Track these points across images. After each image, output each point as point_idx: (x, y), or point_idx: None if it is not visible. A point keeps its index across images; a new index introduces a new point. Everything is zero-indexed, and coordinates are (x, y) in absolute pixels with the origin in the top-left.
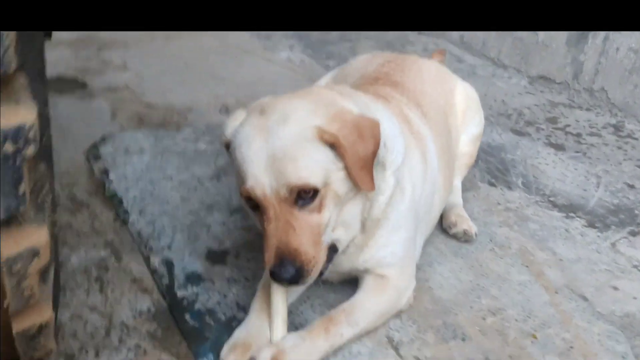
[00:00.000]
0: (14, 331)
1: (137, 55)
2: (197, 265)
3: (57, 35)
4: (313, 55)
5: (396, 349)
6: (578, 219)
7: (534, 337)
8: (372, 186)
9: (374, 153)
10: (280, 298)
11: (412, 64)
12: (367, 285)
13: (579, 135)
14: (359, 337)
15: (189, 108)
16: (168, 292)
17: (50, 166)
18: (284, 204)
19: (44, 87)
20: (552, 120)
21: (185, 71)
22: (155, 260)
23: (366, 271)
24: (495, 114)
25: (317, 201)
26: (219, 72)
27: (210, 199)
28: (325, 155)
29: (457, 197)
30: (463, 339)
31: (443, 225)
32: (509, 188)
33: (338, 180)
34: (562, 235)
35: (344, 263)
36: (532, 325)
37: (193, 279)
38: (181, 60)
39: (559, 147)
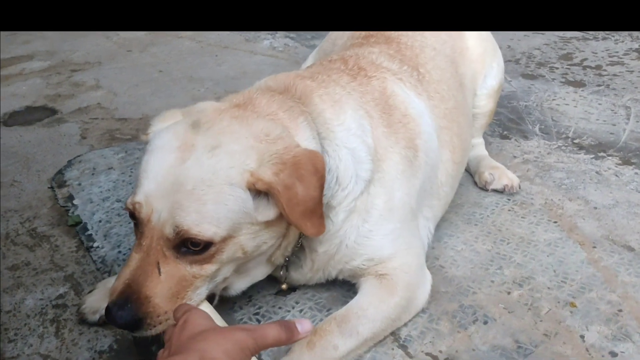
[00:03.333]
0: None
1: (110, 73)
2: None
3: (27, 65)
4: (296, 38)
5: (404, 347)
6: (610, 158)
7: (573, 305)
8: (318, 230)
9: (320, 191)
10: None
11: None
12: (366, 287)
13: (598, 67)
14: (362, 352)
15: None
16: None
17: None
18: (162, 241)
19: None
20: (567, 57)
21: (161, 78)
22: None
23: (358, 273)
24: (503, 61)
25: (205, 254)
26: (197, 73)
27: None
28: (242, 206)
29: (481, 151)
30: (485, 322)
31: (478, 185)
32: (525, 138)
33: (248, 234)
34: (593, 179)
35: (309, 279)
36: (568, 291)
37: None
38: (155, 68)
39: (578, 84)
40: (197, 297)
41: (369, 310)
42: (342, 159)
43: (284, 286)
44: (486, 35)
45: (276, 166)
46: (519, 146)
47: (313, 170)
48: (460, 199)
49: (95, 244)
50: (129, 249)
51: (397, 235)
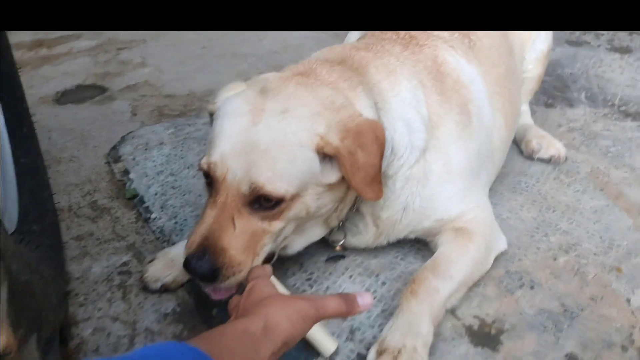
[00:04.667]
0: None
1: (155, 50)
2: None
3: (75, 44)
4: None
5: (451, 311)
6: None
7: (619, 270)
8: (376, 195)
9: (379, 158)
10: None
11: None
12: (446, 240)
13: None
14: (462, 295)
15: (209, 91)
16: (193, 287)
17: None
18: (238, 198)
19: None
20: None
21: (205, 55)
22: None
23: (433, 232)
24: None
25: (275, 210)
26: (240, 49)
27: None
28: (310, 166)
29: (527, 119)
30: (532, 287)
31: (524, 153)
32: (571, 106)
33: (313, 194)
34: (639, 147)
35: (372, 243)
36: (615, 257)
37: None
38: (199, 45)
39: (625, 50)
40: (263, 253)
41: (452, 255)
42: (397, 130)
43: (338, 247)
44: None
45: (341, 133)
46: (564, 114)
47: (374, 138)
48: (505, 168)
49: (152, 215)
50: (185, 219)
51: (462, 195)
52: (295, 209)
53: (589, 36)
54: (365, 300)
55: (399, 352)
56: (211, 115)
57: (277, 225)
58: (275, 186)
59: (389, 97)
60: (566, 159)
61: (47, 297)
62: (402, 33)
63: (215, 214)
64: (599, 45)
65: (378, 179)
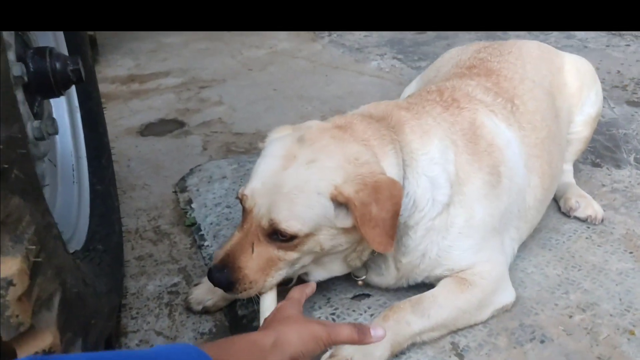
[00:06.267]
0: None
1: (232, 89)
2: None
3: (163, 81)
4: (404, 60)
5: (461, 356)
6: None
7: (632, 333)
8: (384, 248)
9: (392, 214)
10: (268, 301)
11: (510, 46)
12: (442, 283)
13: None
14: (441, 334)
15: None
16: (229, 311)
17: (32, 200)
18: (259, 228)
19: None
20: None
21: (275, 96)
22: None
23: (441, 279)
24: (609, 87)
25: (290, 244)
26: (308, 92)
27: None
28: (325, 212)
29: (569, 178)
30: (542, 341)
31: (562, 209)
32: (618, 167)
33: (327, 235)
34: None
35: (393, 284)
36: (630, 320)
37: (254, 297)
38: (271, 86)
39: None
40: (278, 275)
41: (439, 297)
42: (419, 185)
43: (360, 282)
44: (585, 69)
45: (358, 185)
46: (609, 175)
47: (389, 196)
48: (539, 224)
49: (206, 243)
50: None
51: (477, 249)
52: (309, 245)
53: None
54: (377, 333)
55: None
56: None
57: (292, 255)
58: (290, 224)
59: (418, 155)
60: (602, 221)
61: (98, 309)
62: (445, 95)
63: (239, 237)
64: None
65: (390, 233)
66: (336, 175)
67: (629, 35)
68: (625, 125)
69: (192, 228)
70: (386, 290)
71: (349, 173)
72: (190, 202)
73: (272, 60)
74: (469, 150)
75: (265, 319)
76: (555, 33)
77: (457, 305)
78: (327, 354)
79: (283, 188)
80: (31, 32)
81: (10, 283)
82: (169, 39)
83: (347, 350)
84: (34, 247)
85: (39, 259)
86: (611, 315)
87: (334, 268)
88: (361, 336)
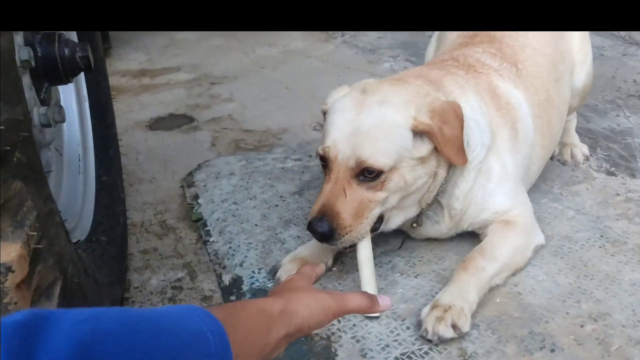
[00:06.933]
0: None
1: (243, 87)
2: (265, 281)
3: (174, 76)
4: (417, 62)
5: None
6: None
7: None
8: (463, 160)
9: (461, 131)
10: (364, 250)
11: None
12: (493, 229)
13: None
14: (506, 276)
15: (284, 129)
16: None
17: (34, 185)
18: (347, 172)
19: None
20: None
21: (286, 95)
22: (226, 278)
23: (486, 224)
24: (624, 96)
25: (377, 181)
26: (319, 92)
27: (290, 214)
28: (404, 142)
29: (569, 137)
30: (552, 350)
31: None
32: (633, 176)
33: (408, 167)
34: None
35: (443, 234)
36: None
37: (259, 294)
38: (283, 85)
39: None
40: (372, 217)
41: (495, 240)
42: (470, 127)
43: (414, 225)
44: (587, 39)
45: (430, 113)
46: (624, 184)
47: (455, 114)
48: (552, 231)
49: (211, 239)
50: (238, 245)
51: (513, 194)
52: (394, 180)
53: None
54: (384, 301)
55: (449, 308)
56: (324, 113)
57: (380, 195)
58: (376, 159)
59: (462, 102)
60: (588, 159)
61: (99, 300)
62: (461, 61)
63: (330, 187)
64: None
65: (462, 147)
66: (408, 108)
67: None
68: None
69: (198, 223)
70: (436, 240)
71: (418, 104)
72: (197, 197)
73: (284, 59)
74: (494, 106)
75: (274, 288)
76: None
77: (511, 243)
78: (428, 307)
79: (362, 129)
80: None
81: (9, 269)
82: (182, 35)
83: (446, 299)
84: (35, 233)
85: (40, 246)
86: (623, 326)
87: (411, 210)
88: (370, 304)
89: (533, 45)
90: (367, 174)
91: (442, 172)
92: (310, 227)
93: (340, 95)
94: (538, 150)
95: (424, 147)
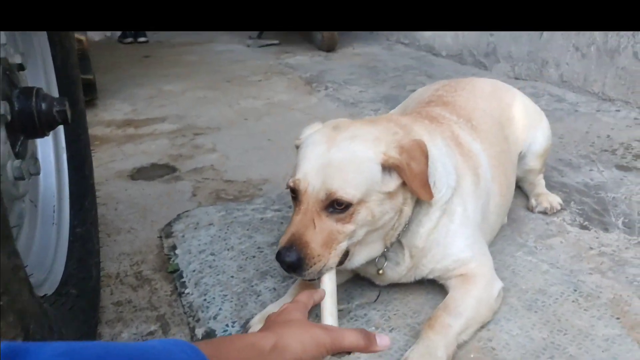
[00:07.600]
0: None
1: (226, 138)
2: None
3: (159, 127)
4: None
5: None
6: None
7: None
8: (429, 195)
9: (426, 167)
10: (329, 281)
11: (466, 83)
12: (454, 285)
13: None
14: (473, 330)
15: (265, 180)
16: None
17: None
18: (317, 204)
19: None
20: None
21: (268, 146)
22: (199, 332)
23: (445, 275)
24: (598, 151)
25: (346, 213)
26: None
27: (267, 265)
28: (374, 176)
29: (542, 189)
30: None
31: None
32: (606, 230)
33: (376, 201)
34: None
35: (403, 277)
36: None
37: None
38: (266, 136)
39: None
40: (340, 249)
41: (458, 296)
42: (437, 169)
43: (380, 271)
44: (532, 109)
45: (398, 149)
46: (597, 238)
47: (421, 151)
48: (526, 285)
49: (186, 291)
50: (213, 297)
51: (473, 240)
52: (362, 213)
53: (639, 162)
54: (383, 341)
55: None
56: (297, 147)
57: (349, 227)
58: (346, 191)
59: (430, 146)
60: (560, 209)
61: None
62: (423, 114)
63: (299, 218)
64: None
65: (427, 182)
66: (379, 144)
67: (619, 101)
68: (614, 189)
69: (174, 275)
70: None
71: (388, 141)
72: (174, 248)
73: (268, 111)
74: (459, 151)
75: (268, 318)
76: (546, 96)
77: (474, 296)
78: None
79: (333, 163)
80: (20, 72)
81: None
82: (169, 86)
83: (414, 358)
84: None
85: (0, 303)
86: None
87: (375, 247)
88: (367, 343)
89: (482, 108)
90: (337, 206)
91: (407, 210)
92: (279, 256)
93: (313, 131)
94: (497, 199)
95: (392, 182)
